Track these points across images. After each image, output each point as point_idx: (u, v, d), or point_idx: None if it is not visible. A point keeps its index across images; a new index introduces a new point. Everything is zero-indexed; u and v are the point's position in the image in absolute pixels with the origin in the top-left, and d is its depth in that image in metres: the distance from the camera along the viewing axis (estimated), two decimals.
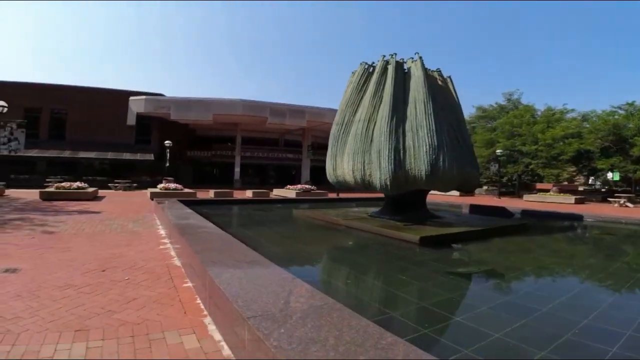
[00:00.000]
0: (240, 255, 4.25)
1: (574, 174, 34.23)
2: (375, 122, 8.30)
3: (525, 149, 26.95)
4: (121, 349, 3.12)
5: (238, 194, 23.15)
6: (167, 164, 29.65)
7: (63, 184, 18.97)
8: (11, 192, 21.18)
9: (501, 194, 29.96)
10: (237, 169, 37.26)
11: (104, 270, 5.74)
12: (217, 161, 41.38)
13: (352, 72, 9.56)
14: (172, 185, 21.08)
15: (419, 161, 7.69)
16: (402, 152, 7.86)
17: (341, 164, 8.80)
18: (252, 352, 2.15)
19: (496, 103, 31.90)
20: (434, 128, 7.75)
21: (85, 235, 8.70)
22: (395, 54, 8.99)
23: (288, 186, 25.24)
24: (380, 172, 7.94)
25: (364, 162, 8.25)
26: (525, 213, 12.57)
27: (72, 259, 6.33)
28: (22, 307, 4.01)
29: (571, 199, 22.08)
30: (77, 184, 19.32)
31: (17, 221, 10.49)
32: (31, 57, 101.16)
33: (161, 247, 7.38)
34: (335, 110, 9.79)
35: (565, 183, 37.49)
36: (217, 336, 3.31)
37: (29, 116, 30.56)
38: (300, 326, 2.24)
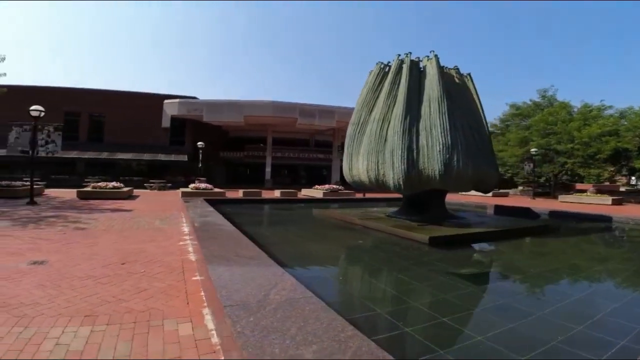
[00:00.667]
0: (243, 252, 4.43)
1: (613, 173, 32.42)
2: (390, 122, 8.27)
3: (560, 148, 25.76)
4: (121, 334, 3.36)
5: (267, 194, 23.54)
6: (200, 165, 30.57)
7: (99, 183, 19.97)
8: (50, 192, 22.49)
9: (536, 195, 28.86)
10: (267, 169, 37.93)
11: (123, 264, 6.10)
12: (249, 162, 42.19)
13: (369, 72, 9.56)
14: (203, 185, 21.71)
15: (432, 160, 7.61)
16: (415, 151, 7.80)
17: (356, 164, 8.84)
18: (224, 337, 2.30)
19: (531, 100, 30.77)
20: (447, 127, 7.64)
21: (113, 232, 9.20)
22: (410, 53, 8.94)
23: (316, 186, 25.38)
24: (393, 172, 7.91)
25: (377, 161, 8.25)
26: (554, 214, 12.14)
27: (96, 253, 6.74)
28: (41, 294, 4.36)
29: (608, 200, 20.95)
30: (113, 183, 20.26)
31: (52, 218, 11.18)
32: (63, 60, 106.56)
33: (181, 243, 7.64)
34: None
35: (607, 183, 35.63)
36: (211, 325, 3.48)
37: (68, 119, 32.48)
38: (270, 316, 2.36)
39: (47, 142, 15.84)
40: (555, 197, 25.15)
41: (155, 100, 33.88)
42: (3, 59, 18.45)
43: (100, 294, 4.48)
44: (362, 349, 1.93)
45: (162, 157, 32.75)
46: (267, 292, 2.84)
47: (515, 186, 35.50)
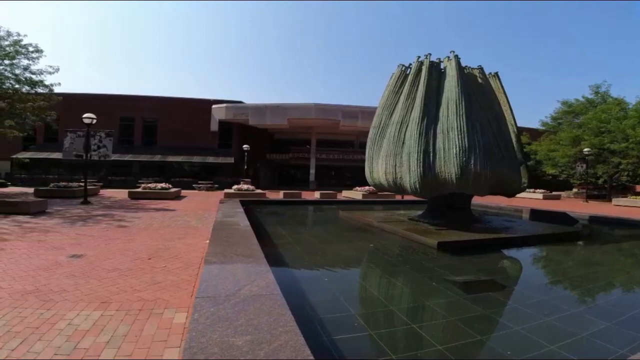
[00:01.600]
0: (243, 250, 4.73)
1: None
2: (408, 125, 8.28)
3: (614, 147, 23.92)
4: (125, 318, 3.84)
5: (307, 195, 24.05)
6: (245, 167, 31.80)
7: (149, 184, 21.44)
8: (106, 192, 24.38)
9: (590, 198, 27.07)
10: (312, 171, 38.62)
11: (150, 259, 6.70)
12: (295, 163, 43.10)
13: (391, 75, 9.59)
14: (245, 187, 22.62)
15: (449, 163, 7.52)
16: (432, 154, 7.75)
17: (376, 167, 8.93)
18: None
19: (583, 97, 28.82)
20: (465, 129, 7.52)
21: (151, 229, 9.99)
22: (430, 54, 8.85)
23: (356, 188, 25.51)
24: (410, 175, 7.92)
25: (395, 164, 8.29)
26: (594, 220, 11.44)
27: (130, 249, 7.44)
28: (70, 283, 4.98)
29: None
30: (162, 184, 21.66)
31: (100, 216, 12.24)
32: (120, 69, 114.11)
33: (207, 241, 8.24)
34: None
35: None
36: None
37: (123, 125, 35.06)
38: (229, 308, 2.63)
39: (99, 147, 17.33)
40: (610, 201, 23.46)
41: (204, 105, 35.68)
42: (57, 70, 20.30)
43: (120, 284, 5.02)
44: (288, 343, 2.10)
45: (210, 159, 34.44)
46: (241, 288, 3.10)
47: (570, 188, 33.50)
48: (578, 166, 25.48)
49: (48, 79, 21.14)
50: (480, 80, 8.91)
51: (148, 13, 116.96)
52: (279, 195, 23.51)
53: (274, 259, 5.73)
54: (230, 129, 36.55)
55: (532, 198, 26.39)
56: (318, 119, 34.55)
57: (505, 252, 6.89)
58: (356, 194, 24.18)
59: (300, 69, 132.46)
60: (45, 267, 5.68)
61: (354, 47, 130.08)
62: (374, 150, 9.11)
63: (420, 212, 9.92)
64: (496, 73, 9.99)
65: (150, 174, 32.20)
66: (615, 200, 21.90)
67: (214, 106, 35.45)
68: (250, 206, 15.60)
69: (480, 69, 9.16)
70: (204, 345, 2.06)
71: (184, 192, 25.88)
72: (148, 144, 35.64)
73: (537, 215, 11.72)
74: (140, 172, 33.27)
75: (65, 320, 3.71)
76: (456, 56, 8.53)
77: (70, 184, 20.97)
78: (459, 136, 7.51)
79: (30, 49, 19.56)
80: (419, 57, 9.04)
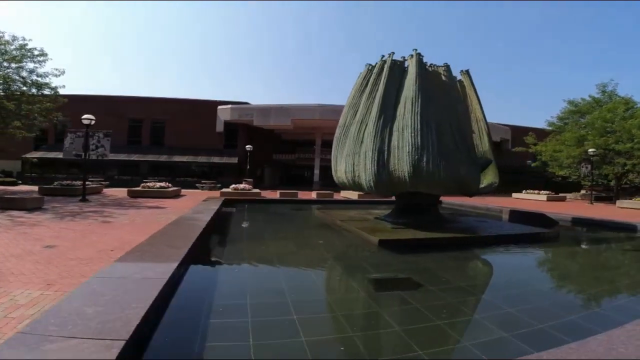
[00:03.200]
0: (174, 242, 5.01)
1: None
2: (367, 124, 8.32)
3: (619, 148, 23.18)
4: (58, 296, 4.04)
5: (304, 195, 24.15)
6: (248, 167, 32.17)
7: (148, 183, 21.92)
8: (109, 191, 24.98)
9: (598, 200, 26.35)
10: (316, 171, 38.68)
11: (112, 250, 6.97)
12: (301, 164, 43.29)
13: (359, 74, 9.64)
14: (241, 186, 22.90)
15: (402, 162, 7.51)
16: (386, 152, 7.75)
17: (339, 166, 8.98)
18: None
19: (590, 96, 28.01)
20: (418, 127, 7.49)
21: (132, 225, 10.29)
22: (393, 52, 8.87)
23: None
24: (365, 174, 7.95)
25: (354, 163, 8.33)
26: (577, 221, 11.22)
27: (101, 241, 7.73)
28: (31, 268, 5.39)
29: None
30: (160, 184, 22.11)
31: (91, 213, 12.59)
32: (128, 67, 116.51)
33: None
34: None
35: None
36: None
37: (132, 125, 36.01)
38: (108, 284, 2.96)
39: (97, 147, 17.86)
40: (615, 203, 22.79)
41: (210, 107, 36.27)
42: (63, 72, 21.01)
43: (73, 271, 5.34)
44: (127, 317, 2.34)
45: (215, 159, 35.03)
46: (136, 273, 3.36)
47: (578, 190, 32.65)
48: (583, 167, 24.82)
49: (54, 82, 21.62)
50: (444, 78, 8.86)
51: (165, 14, 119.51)
52: (276, 194, 23.73)
53: (207, 251, 5.93)
54: (237, 130, 37.04)
55: (536, 200, 25.84)
56: (322, 120, 34.55)
57: (450, 252, 6.68)
58: (353, 194, 24.13)
59: (311, 69, 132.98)
60: (17, 255, 6.05)
61: (367, 45, 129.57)
62: (338, 149, 9.18)
63: (387, 212, 9.95)
64: (467, 70, 9.95)
65: (157, 174, 32.97)
66: (619, 203, 21.24)
67: (219, 107, 35.93)
68: (237, 205, 16.01)
69: (446, 66, 9.09)
70: (62, 310, 2.30)
71: (186, 191, 26.30)
72: (156, 144, 36.49)
73: (515, 216, 11.54)
74: (148, 171, 34.12)
75: (9, 296, 4.05)
76: (418, 54, 8.52)
77: (73, 182, 21.61)
78: (412, 134, 7.50)
79: (36, 52, 20.34)
80: (383, 56, 9.07)
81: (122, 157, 33.57)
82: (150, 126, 36.89)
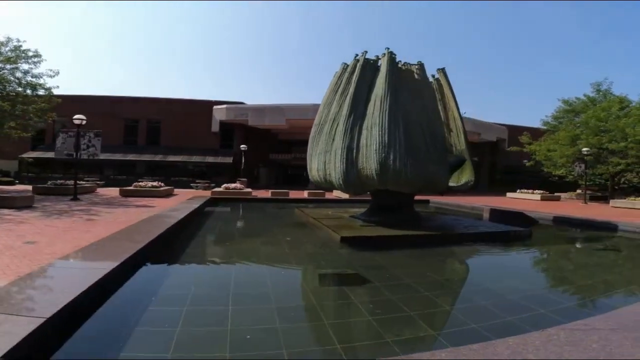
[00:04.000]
0: (136, 237, 5.15)
1: None
2: (339, 122, 8.39)
3: (612, 147, 23.02)
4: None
5: (296, 194, 24.23)
6: (243, 167, 32.26)
7: (140, 183, 22.08)
8: (103, 190, 25.15)
9: (594, 199, 26.24)
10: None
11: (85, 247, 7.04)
12: (297, 163, 43.31)
13: (334, 73, 9.70)
14: (232, 185, 23.03)
15: (370, 160, 7.55)
16: (355, 150, 7.81)
17: (313, 165, 9.06)
18: None
19: (584, 95, 27.87)
20: (386, 125, 7.53)
21: (115, 223, 10.36)
22: (366, 51, 8.92)
23: None
24: (335, 172, 8.01)
25: (325, 161, 8.40)
26: (559, 220, 11.19)
27: (81, 238, 7.77)
28: (7, 262, 5.45)
29: None
30: (152, 183, 22.26)
31: (78, 211, 12.64)
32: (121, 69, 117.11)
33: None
34: None
35: None
36: None
37: (129, 125, 36.24)
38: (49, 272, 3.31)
39: (88, 147, 17.97)
40: (609, 202, 22.69)
41: (205, 107, 36.42)
42: (57, 73, 21.23)
43: (41, 262, 5.39)
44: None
45: (209, 159, 35.18)
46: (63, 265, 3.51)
47: (575, 190, 32.49)
48: (577, 166, 24.70)
49: (48, 82, 21.86)
50: (416, 77, 8.89)
51: (167, 15, 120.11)
52: (268, 194, 23.84)
53: (170, 247, 6.02)
54: (232, 130, 37.12)
55: (529, 199, 25.78)
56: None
57: (412, 250, 6.66)
58: (344, 194, 24.20)
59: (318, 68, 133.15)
60: None
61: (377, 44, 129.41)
62: (313, 147, 9.25)
63: (363, 211, 10.02)
64: (442, 69, 10.00)
65: (153, 174, 33.08)
66: (613, 202, 21.11)
67: (215, 107, 36.04)
68: (225, 204, 16.17)
69: (420, 65, 9.11)
70: None
71: (180, 191, 26.43)
72: (153, 144, 36.65)
73: (495, 215, 11.57)
74: (144, 171, 34.29)
75: None
76: (390, 53, 8.56)
77: (66, 182, 21.77)
78: (380, 132, 7.54)
79: (30, 53, 20.58)
80: (357, 55, 9.13)
81: (117, 157, 33.76)
82: (146, 126, 37.09)
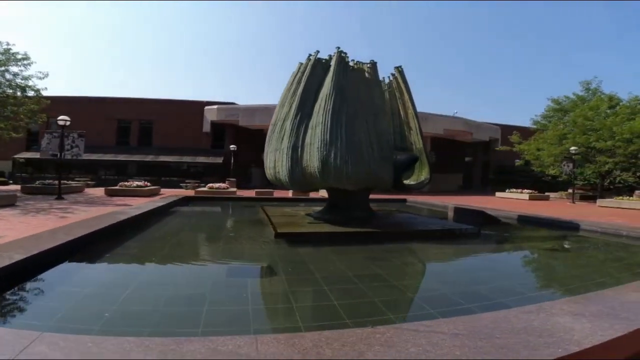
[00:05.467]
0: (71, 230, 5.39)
1: None
2: (287, 121, 8.54)
3: (599, 146, 22.87)
4: None
5: (280, 194, 24.42)
6: (232, 167, 32.54)
7: (126, 182, 22.37)
8: (91, 190, 25.46)
9: (585, 199, 26.15)
10: None
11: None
12: None
13: (292, 73, 9.82)
14: (216, 185, 23.32)
15: (313, 158, 7.67)
16: (300, 149, 7.94)
17: (267, 163, 9.22)
18: None
19: (574, 94, 27.72)
20: (329, 123, 7.63)
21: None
22: (318, 51, 9.06)
23: None
24: (282, 170, 8.17)
25: (275, 159, 8.56)
26: (524, 219, 11.16)
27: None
28: None
29: None
30: (138, 182, 22.57)
31: (57, 210, 12.81)
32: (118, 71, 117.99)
33: None
34: None
35: None
36: None
37: (121, 126, 36.66)
38: None
39: (72, 147, 18.34)
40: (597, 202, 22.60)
41: (197, 107, 36.77)
42: (46, 75, 21.62)
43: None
44: None
45: (200, 159, 35.53)
46: None
47: (565, 190, 32.35)
48: (564, 165, 24.60)
49: (38, 84, 22.28)
50: (367, 75, 9.00)
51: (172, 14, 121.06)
52: (252, 193, 24.05)
53: (105, 243, 6.18)
54: (224, 131, 37.38)
55: (517, 199, 25.77)
56: None
57: (347, 246, 6.77)
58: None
59: None
60: None
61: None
62: (268, 146, 9.38)
63: (320, 209, 10.15)
64: (399, 67, 10.10)
65: (145, 174, 33.45)
66: (600, 202, 20.99)
67: (206, 107, 36.29)
68: (205, 203, 16.39)
69: (372, 63, 9.17)
70: None
71: (168, 190, 26.63)
72: (145, 145, 36.95)
73: (458, 213, 11.61)
74: (136, 171, 34.66)
75: None
76: (340, 52, 8.66)
77: (53, 182, 22.12)
78: (323, 130, 7.66)
79: (19, 56, 20.98)
80: (310, 54, 9.25)
81: (109, 157, 34.22)
82: (138, 127, 37.49)
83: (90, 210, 13.10)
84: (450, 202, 17.14)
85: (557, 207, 19.61)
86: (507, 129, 39.01)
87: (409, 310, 3.57)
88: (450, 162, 45.03)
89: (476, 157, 43.18)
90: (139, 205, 11.17)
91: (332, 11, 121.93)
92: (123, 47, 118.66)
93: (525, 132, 30.88)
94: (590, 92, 27.67)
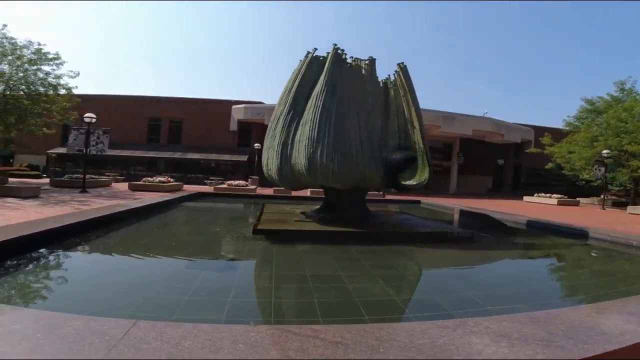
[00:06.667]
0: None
1: None
2: (281, 119, 8.51)
3: (631, 149, 21.32)
4: None
5: (298, 193, 24.47)
6: (256, 165, 32.95)
7: (149, 178, 23.11)
8: (118, 185, 26.43)
9: (616, 205, 24.62)
10: None
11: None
12: None
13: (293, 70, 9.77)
14: (235, 182, 23.75)
15: (300, 155, 7.59)
16: (289, 146, 7.86)
17: (262, 161, 9.21)
18: None
19: (608, 94, 26.02)
20: (317, 120, 7.51)
21: None
22: (316, 48, 8.95)
23: None
24: (273, 167, 8.15)
25: (268, 157, 8.55)
26: (532, 225, 10.54)
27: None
28: None
29: None
30: (160, 178, 23.27)
31: (75, 202, 13.39)
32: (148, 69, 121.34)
33: None
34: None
35: None
36: None
37: (151, 125, 37.92)
38: None
39: (97, 143, 19.21)
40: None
41: (225, 106, 37.52)
42: (77, 74, 22.66)
43: None
44: None
45: (225, 157, 36.26)
46: None
47: (599, 195, 30.52)
48: (596, 169, 23.20)
49: (69, 83, 23.37)
50: (364, 72, 8.80)
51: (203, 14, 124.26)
52: (270, 191, 24.23)
53: (90, 231, 6.39)
54: (250, 129, 37.91)
55: (546, 204, 24.61)
56: None
57: (326, 245, 6.59)
58: None
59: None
60: None
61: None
62: (264, 145, 9.38)
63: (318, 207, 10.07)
64: (401, 64, 9.81)
65: (172, 170, 34.56)
66: (631, 209, 19.67)
67: (233, 107, 37.03)
68: (210, 198, 16.68)
69: (370, 60, 8.96)
70: None
71: (191, 187, 27.31)
72: (174, 143, 38.19)
73: (463, 216, 11.20)
74: (165, 168, 35.84)
75: None
76: (336, 49, 8.52)
77: (81, 176, 23.17)
78: (311, 127, 7.57)
79: (50, 56, 22.10)
80: (308, 52, 9.17)
81: (139, 154, 35.56)
82: (168, 125, 38.70)
83: (107, 203, 13.60)
84: (472, 205, 16.54)
85: (584, 213, 18.53)
86: (540, 131, 37.41)
87: (343, 315, 3.42)
88: (479, 164, 43.67)
89: (508, 159, 41.55)
90: (143, 200, 11.49)
91: (360, 6, 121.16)
92: (154, 47, 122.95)
93: (559, 134, 29.34)
94: (625, 92, 25.96)
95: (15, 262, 4.33)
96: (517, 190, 39.14)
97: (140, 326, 2.17)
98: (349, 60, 8.92)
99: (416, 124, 9.96)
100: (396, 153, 9.30)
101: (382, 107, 8.92)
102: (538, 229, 10.05)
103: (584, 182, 29.03)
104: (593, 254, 7.63)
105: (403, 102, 10.20)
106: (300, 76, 8.60)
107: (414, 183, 9.62)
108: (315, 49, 9.05)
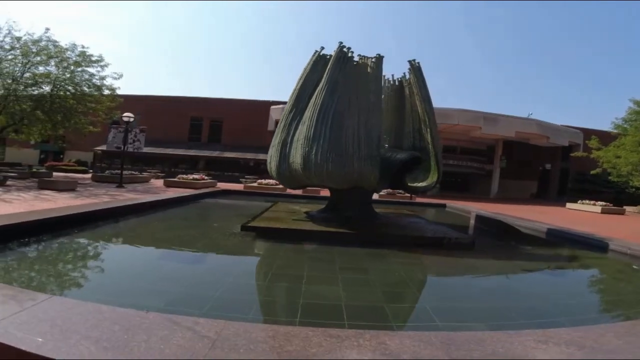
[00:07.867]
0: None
1: None
2: (285, 117, 8.59)
3: None
4: None
5: (325, 192, 24.51)
6: None
7: (183, 175, 24.08)
8: (157, 181, 27.61)
9: None
10: None
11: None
12: None
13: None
14: (265, 181, 24.13)
15: (297, 154, 7.60)
16: (288, 145, 7.90)
17: (267, 159, 9.35)
18: None
19: None
20: (314, 119, 7.45)
21: None
22: (323, 47, 8.93)
23: None
24: (273, 165, 8.26)
25: (270, 155, 8.67)
26: (551, 233, 9.81)
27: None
28: None
29: None
30: (195, 175, 24.20)
31: (107, 196, 14.23)
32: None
33: None
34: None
35: None
36: None
37: (193, 124, 39.46)
38: None
39: (134, 141, 20.37)
40: None
41: (263, 106, 38.43)
42: (121, 76, 24.04)
43: None
44: None
45: (261, 156, 36.93)
46: None
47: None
48: None
49: (114, 84, 24.92)
50: (369, 70, 8.63)
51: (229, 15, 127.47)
52: (300, 191, 24.41)
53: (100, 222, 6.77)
54: None
55: (589, 211, 23.03)
56: None
57: (315, 245, 6.55)
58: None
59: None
60: None
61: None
62: (271, 142, 9.50)
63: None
64: (413, 61, 9.59)
65: (211, 168, 35.89)
66: None
67: (272, 107, 37.86)
68: (235, 195, 17.09)
69: (377, 58, 8.74)
70: None
71: (225, 184, 28.03)
72: (214, 142, 39.76)
73: (478, 220, 10.69)
74: (204, 166, 37.32)
75: None
76: (341, 47, 8.41)
77: (115, 172, 24.52)
78: (308, 126, 7.56)
79: (94, 58, 23.60)
80: (316, 50, 9.16)
81: (180, 152, 37.21)
82: (209, 124, 40.20)
83: (138, 197, 14.30)
84: (506, 211, 15.72)
85: (623, 223, 17.11)
86: (589, 134, 35.04)
87: (276, 315, 3.41)
88: (523, 167, 41.60)
89: (555, 163, 39.21)
90: (159, 195, 11.99)
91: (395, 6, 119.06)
92: (201, 49, 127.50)
93: (607, 137, 27.17)
94: None
95: None
96: (563, 196, 36.83)
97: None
98: (355, 59, 8.83)
99: (428, 123, 9.69)
100: (400, 153, 9.10)
101: (392, 106, 8.78)
102: (556, 237, 9.40)
103: (634, 189, 26.79)
104: (597, 269, 7.01)
105: (417, 101, 9.94)
106: (305, 75, 8.63)
107: (424, 185, 9.38)
108: (322, 48, 9.04)
